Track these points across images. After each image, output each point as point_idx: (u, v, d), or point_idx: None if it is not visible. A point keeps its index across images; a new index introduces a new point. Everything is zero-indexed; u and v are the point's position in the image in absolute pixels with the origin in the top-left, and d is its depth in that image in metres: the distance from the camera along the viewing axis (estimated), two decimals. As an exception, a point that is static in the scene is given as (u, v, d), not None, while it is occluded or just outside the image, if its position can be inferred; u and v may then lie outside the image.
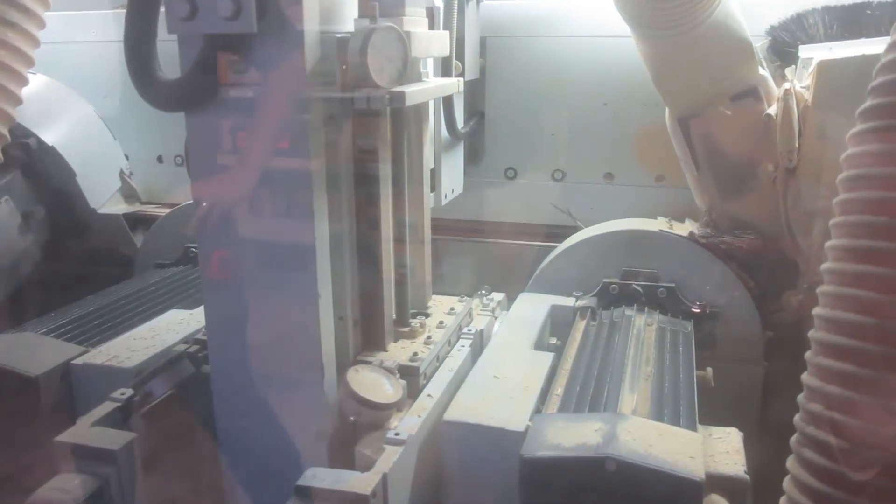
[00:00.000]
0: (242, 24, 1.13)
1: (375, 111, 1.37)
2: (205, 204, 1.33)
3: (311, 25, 1.20)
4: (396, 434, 1.28)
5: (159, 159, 2.67)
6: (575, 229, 2.15)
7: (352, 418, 1.32)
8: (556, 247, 2.09)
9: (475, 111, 2.24)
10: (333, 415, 1.36)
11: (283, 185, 1.28)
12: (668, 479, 1.14)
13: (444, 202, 2.02)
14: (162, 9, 1.20)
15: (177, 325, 1.75)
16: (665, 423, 1.31)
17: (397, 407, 1.36)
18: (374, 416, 1.32)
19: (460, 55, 1.91)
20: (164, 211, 2.51)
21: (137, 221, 2.60)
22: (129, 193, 2.68)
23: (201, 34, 1.18)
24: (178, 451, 1.41)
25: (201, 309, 1.73)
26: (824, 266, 1.12)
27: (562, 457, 1.20)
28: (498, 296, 1.93)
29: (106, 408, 1.37)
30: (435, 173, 1.95)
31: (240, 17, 1.13)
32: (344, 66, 1.28)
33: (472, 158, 2.28)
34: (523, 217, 2.30)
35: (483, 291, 1.99)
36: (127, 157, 2.69)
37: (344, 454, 1.34)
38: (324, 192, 1.30)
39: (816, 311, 1.14)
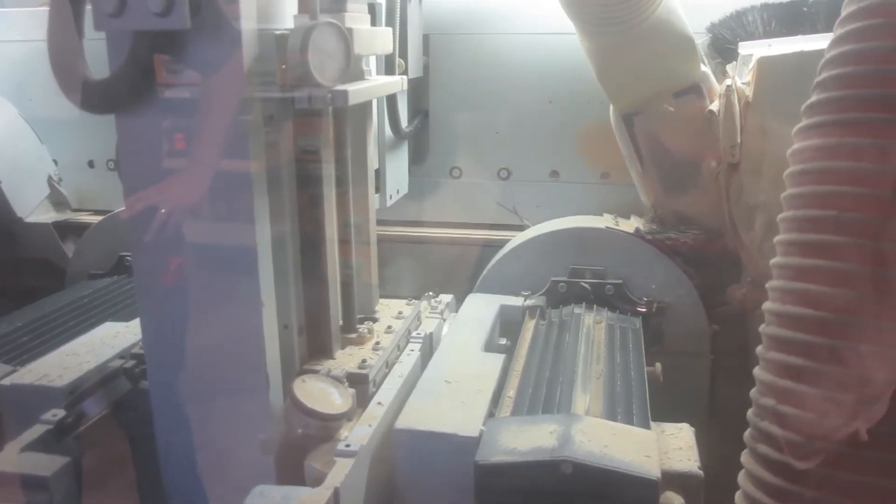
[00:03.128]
0: (175, 21, 1.07)
1: (317, 111, 1.33)
2: (139, 210, 1.26)
3: (248, 22, 1.15)
4: (347, 445, 1.23)
5: (90, 164, 2.56)
6: (521, 228, 2.14)
7: (300, 431, 1.27)
8: (502, 246, 2.08)
9: (419, 110, 2.20)
10: (280, 428, 1.31)
11: (222, 189, 1.22)
12: (624, 480, 1.13)
13: (389, 203, 1.99)
14: (88, 6, 1.13)
15: (111, 338, 1.66)
16: (619, 423, 1.31)
17: (347, 417, 1.32)
18: (322, 428, 1.28)
19: (403, 53, 1.88)
20: (96, 218, 2.40)
21: (68, 230, 2.49)
22: (58, 200, 2.56)
23: (130, 31, 1.12)
24: (117, 474, 1.34)
25: (137, 321, 1.66)
26: (773, 261, 1.13)
27: (517, 461, 1.17)
28: (446, 297, 1.90)
29: (36, 431, 1.29)
30: (380, 174, 1.92)
31: (172, 12, 1.07)
32: (283, 66, 1.23)
33: (417, 158, 2.24)
34: (469, 216, 2.28)
35: (430, 294, 1.96)
36: (55, 162, 2.57)
37: (293, 468, 1.29)
38: (265, 196, 1.25)
39: (767, 305, 1.14)
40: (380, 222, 1.74)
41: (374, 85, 1.45)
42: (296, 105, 1.27)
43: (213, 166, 1.19)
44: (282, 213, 1.32)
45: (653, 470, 1.14)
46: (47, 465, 1.21)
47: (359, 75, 1.47)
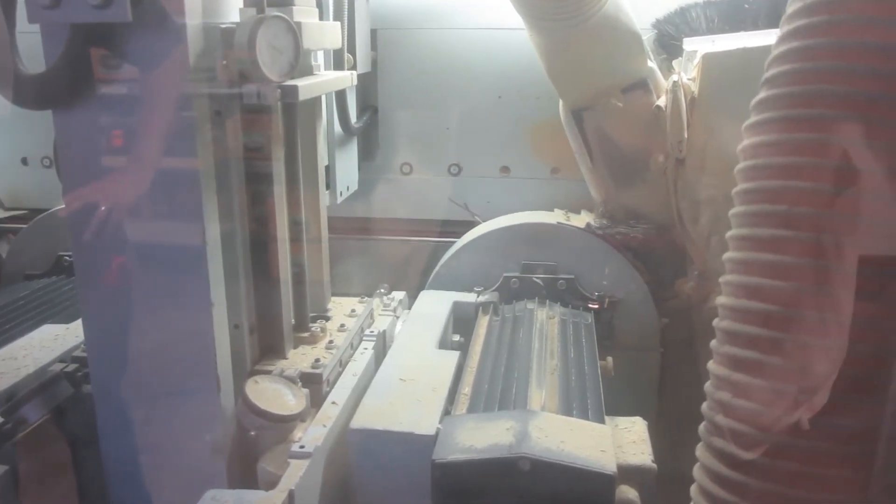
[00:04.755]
0: (115, 13, 1.03)
1: (266, 107, 1.30)
2: (79, 209, 1.22)
3: (193, 16, 1.12)
4: (301, 447, 1.21)
5: (24, 161, 2.45)
6: (473, 224, 2.14)
7: (252, 433, 1.24)
8: (454, 242, 2.07)
9: (368, 106, 2.18)
10: (232, 430, 1.28)
11: (169, 186, 1.18)
12: (581, 475, 1.14)
13: (339, 200, 1.96)
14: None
15: (51, 341, 1.60)
16: (575, 418, 1.31)
17: (300, 417, 1.30)
18: (276, 429, 1.25)
19: (351, 48, 1.85)
20: (31, 218, 2.30)
21: (1, 230, 2.38)
22: (-11, 199, 2.46)
23: (67, 24, 1.07)
24: (58, 482, 1.29)
25: (78, 323, 1.60)
26: (726, 255, 1.15)
27: (474, 459, 1.17)
28: (398, 294, 1.89)
29: (-29, 439, 1.23)
30: (329, 170, 1.89)
31: (111, 5, 1.03)
32: (225, 62, 1.20)
33: (366, 154, 2.22)
34: (420, 213, 2.27)
35: (382, 290, 1.95)
36: (-14, 159, 2.46)
37: (245, 471, 1.26)
38: (213, 193, 1.22)
39: (719, 299, 1.16)
40: (330, 219, 1.71)
41: (325, 80, 1.43)
42: (244, 101, 1.24)
43: (159, 164, 1.15)
44: (230, 211, 1.29)
45: (609, 465, 1.15)
46: (-15, 476, 1.16)
47: (307, 70, 1.45)
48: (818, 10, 1.02)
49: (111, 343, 1.28)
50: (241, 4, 1.31)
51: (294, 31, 1.25)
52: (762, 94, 1.10)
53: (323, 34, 1.43)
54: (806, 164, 1.03)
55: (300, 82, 1.29)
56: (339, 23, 1.54)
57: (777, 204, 1.05)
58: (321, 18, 1.53)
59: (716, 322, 1.14)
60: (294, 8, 1.31)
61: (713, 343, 1.15)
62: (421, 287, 1.97)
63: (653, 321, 1.92)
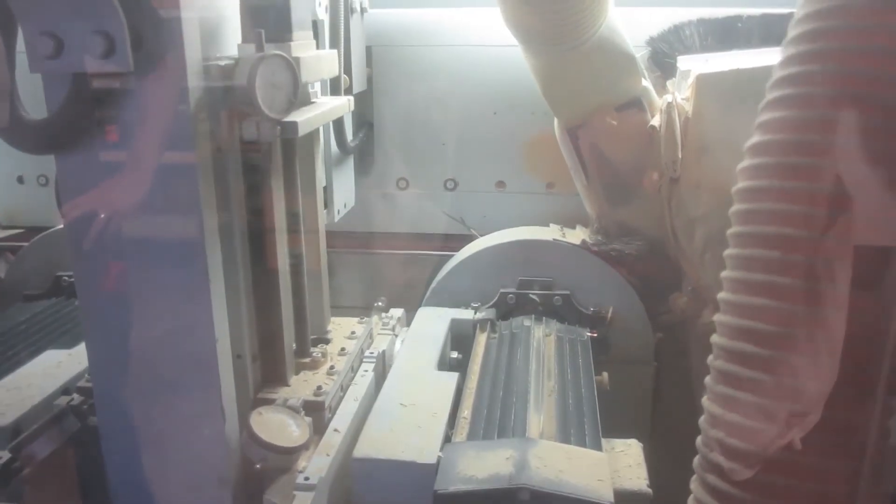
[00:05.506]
0: (116, 63, 1.04)
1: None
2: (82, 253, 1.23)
3: (193, 56, 1.12)
4: (306, 479, 1.24)
5: (20, 180, 2.45)
6: (469, 238, 2.16)
7: (258, 466, 1.26)
8: (450, 256, 2.09)
9: (363, 122, 2.19)
10: (237, 461, 1.30)
11: (174, 223, 1.19)
12: (580, 505, 1.17)
13: (336, 219, 1.98)
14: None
15: (54, 368, 1.61)
16: (573, 445, 1.34)
17: (304, 447, 1.32)
18: (281, 461, 1.27)
19: (347, 68, 1.86)
20: (28, 236, 2.31)
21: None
22: (-15, 218, 2.46)
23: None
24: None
25: (81, 347, 1.61)
26: (723, 274, 1.18)
27: (475, 490, 1.20)
28: (397, 312, 1.91)
29: (-20, 475, 1.25)
30: (327, 190, 1.90)
31: (113, 54, 1.04)
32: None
33: (362, 169, 2.23)
34: (416, 227, 2.28)
35: (379, 303, 1.97)
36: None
37: (249, 501, 1.29)
38: (216, 235, 1.23)
39: (717, 317, 1.20)
40: (326, 233, 1.72)
41: (323, 111, 1.44)
42: (244, 138, 1.25)
43: (161, 207, 1.17)
44: (233, 243, 1.30)
45: (606, 494, 1.18)
46: (-5, 513, 1.18)
47: (305, 100, 1.46)
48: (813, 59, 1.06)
49: (114, 376, 1.28)
50: (239, 39, 1.32)
51: (293, 67, 1.26)
52: (761, 118, 1.13)
53: (320, 65, 1.44)
54: (794, 187, 1.08)
55: (299, 117, 1.30)
56: (335, 51, 1.55)
57: (766, 225, 1.09)
58: (316, 37, 1.54)
59: (713, 337, 1.18)
60: (292, 43, 1.32)
61: (710, 358, 1.19)
62: (418, 300, 1.99)
63: (647, 336, 1.95)
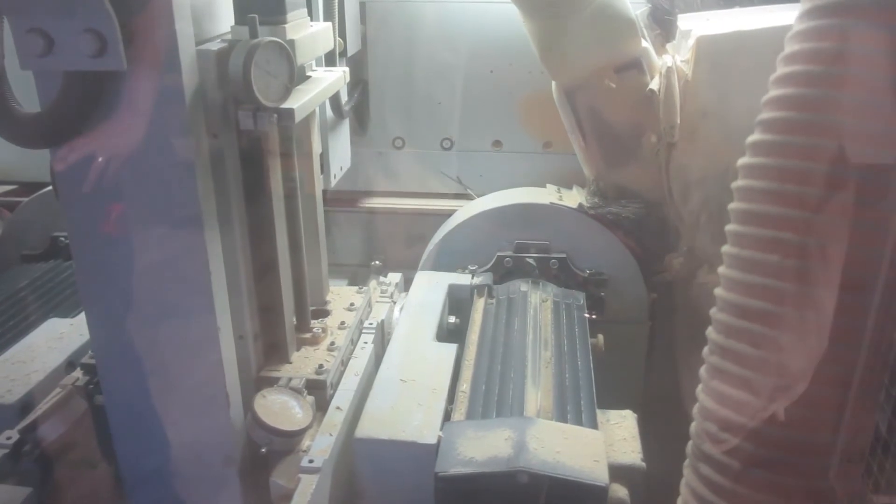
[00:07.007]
0: (109, 62, 1.02)
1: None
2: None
3: (186, 47, 1.10)
4: (311, 461, 1.27)
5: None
6: (465, 197, 2.15)
7: (263, 450, 1.30)
8: (447, 214, 2.09)
9: (358, 80, 2.15)
10: (241, 443, 1.33)
11: (172, 216, 1.19)
12: (576, 487, 1.21)
13: (333, 183, 1.96)
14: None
15: (57, 340, 1.62)
16: (569, 421, 1.38)
17: (308, 426, 1.35)
18: (286, 444, 1.31)
19: (342, 31, 1.81)
20: (22, 192, 2.29)
21: (-6, 206, 2.37)
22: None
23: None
24: (79, 497, 1.35)
25: (82, 316, 1.62)
26: (723, 249, 1.22)
27: (475, 473, 1.24)
28: (395, 277, 1.92)
29: (-9, 455, 1.28)
30: (323, 156, 1.88)
31: (106, 53, 1.01)
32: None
33: (358, 128, 2.20)
34: (413, 186, 2.27)
35: (377, 263, 1.98)
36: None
37: (255, 482, 1.33)
38: (216, 226, 1.23)
39: (717, 290, 1.23)
40: (323, 192, 1.71)
41: (319, 91, 1.40)
42: (240, 127, 1.23)
43: (160, 202, 1.16)
44: (231, 225, 1.30)
45: (601, 476, 1.22)
46: (10, 498, 1.21)
47: (301, 76, 1.43)
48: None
49: (119, 360, 1.29)
50: (232, 17, 1.29)
51: (288, 53, 1.23)
52: (770, 93, 1.14)
53: (315, 43, 1.40)
54: (789, 166, 1.12)
55: (295, 102, 1.28)
56: (329, 24, 1.50)
57: (763, 204, 1.14)
58: (309, 3, 1.50)
59: (713, 312, 1.22)
60: (287, 26, 1.28)
61: (708, 330, 1.24)
62: (413, 257, 2.00)
63: (642, 296, 1.97)
